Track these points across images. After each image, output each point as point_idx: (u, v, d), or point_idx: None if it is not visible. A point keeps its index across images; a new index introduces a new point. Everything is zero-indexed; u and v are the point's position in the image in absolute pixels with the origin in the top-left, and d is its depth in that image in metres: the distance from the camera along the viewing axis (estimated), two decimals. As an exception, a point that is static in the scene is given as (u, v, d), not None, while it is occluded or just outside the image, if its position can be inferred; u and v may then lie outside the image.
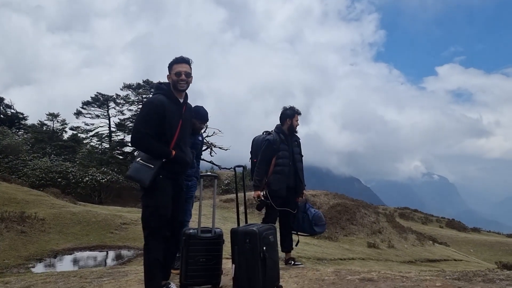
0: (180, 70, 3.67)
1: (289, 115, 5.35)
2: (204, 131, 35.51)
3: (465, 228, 34.76)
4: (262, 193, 5.13)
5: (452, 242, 26.10)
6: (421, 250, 17.34)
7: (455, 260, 17.37)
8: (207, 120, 5.14)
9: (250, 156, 5.46)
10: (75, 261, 8.70)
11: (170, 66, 3.72)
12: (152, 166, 3.50)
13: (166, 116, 3.56)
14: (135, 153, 37.82)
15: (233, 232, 3.83)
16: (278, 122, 5.47)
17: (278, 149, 5.20)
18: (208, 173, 4.98)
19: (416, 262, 14.82)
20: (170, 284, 3.77)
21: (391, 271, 4.43)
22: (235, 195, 4.91)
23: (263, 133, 5.49)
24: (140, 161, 3.56)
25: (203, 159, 10.13)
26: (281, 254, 5.20)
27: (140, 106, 36.69)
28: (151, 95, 3.88)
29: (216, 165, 37.78)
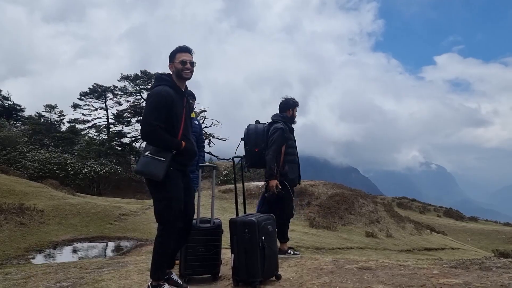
0: (185, 58, 3.66)
1: (292, 105, 5.41)
2: (203, 122, 35.48)
3: (462, 217, 35.06)
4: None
5: (449, 231, 26.29)
6: (419, 239, 17.47)
7: (452, 248, 17.51)
8: (194, 96, 5.15)
9: (246, 146, 5.20)
10: (75, 252, 8.74)
11: (173, 55, 3.69)
12: (163, 159, 3.45)
13: (173, 107, 3.54)
14: (134, 145, 37.82)
15: (232, 222, 3.85)
16: (276, 112, 5.46)
17: (288, 138, 5.23)
18: (207, 163, 4.95)
19: (414, 251, 14.94)
20: (172, 274, 3.80)
21: (389, 260, 4.47)
22: (233, 185, 4.88)
23: (256, 122, 5.41)
24: (149, 155, 3.49)
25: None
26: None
27: (143, 98, 36.71)
28: (151, 87, 3.83)
29: (215, 155, 37.86)
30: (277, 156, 5.09)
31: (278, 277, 3.85)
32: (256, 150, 5.12)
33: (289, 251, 5.27)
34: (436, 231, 22.73)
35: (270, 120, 5.35)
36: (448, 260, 4.22)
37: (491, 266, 3.54)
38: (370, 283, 3.29)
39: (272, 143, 5.02)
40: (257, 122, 5.39)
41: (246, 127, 5.28)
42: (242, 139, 5.24)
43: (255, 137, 5.19)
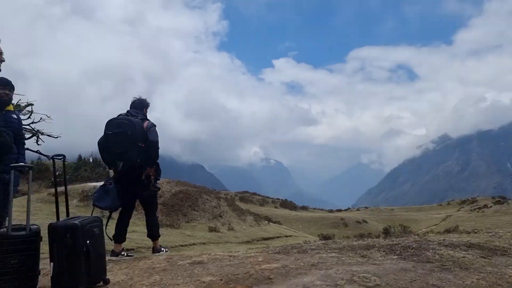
0: None
1: (146, 105, 5.48)
2: (29, 117, 31.46)
3: (295, 207, 39.02)
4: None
5: (284, 220, 28.92)
6: (258, 230, 18.70)
7: (286, 236, 19.25)
8: (11, 85, 4.50)
9: (137, 141, 4.75)
10: None
11: None
12: None
13: None
14: None
15: (52, 227, 3.47)
16: (124, 109, 5.30)
17: None
18: (20, 163, 4.36)
19: (253, 242, 15.90)
20: None
21: (222, 252, 4.62)
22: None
23: (126, 114, 5.09)
24: None
25: (28, 149, 8.94)
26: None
27: None
28: None
29: (45, 155, 34.03)
30: None
31: (106, 282, 3.62)
32: (143, 145, 4.83)
33: (122, 253, 5.04)
34: (273, 221, 24.70)
35: (125, 114, 5.10)
36: (273, 247, 4.57)
37: (307, 249, 3.95)
38: (200, 276, 3.34)
39: (155, 138, 4.99)
40: (129, 114, 5.07)
41: (127, 121, 4.80)
42: (117, 133, 4.70)
43: (142, 132, 4.89)
